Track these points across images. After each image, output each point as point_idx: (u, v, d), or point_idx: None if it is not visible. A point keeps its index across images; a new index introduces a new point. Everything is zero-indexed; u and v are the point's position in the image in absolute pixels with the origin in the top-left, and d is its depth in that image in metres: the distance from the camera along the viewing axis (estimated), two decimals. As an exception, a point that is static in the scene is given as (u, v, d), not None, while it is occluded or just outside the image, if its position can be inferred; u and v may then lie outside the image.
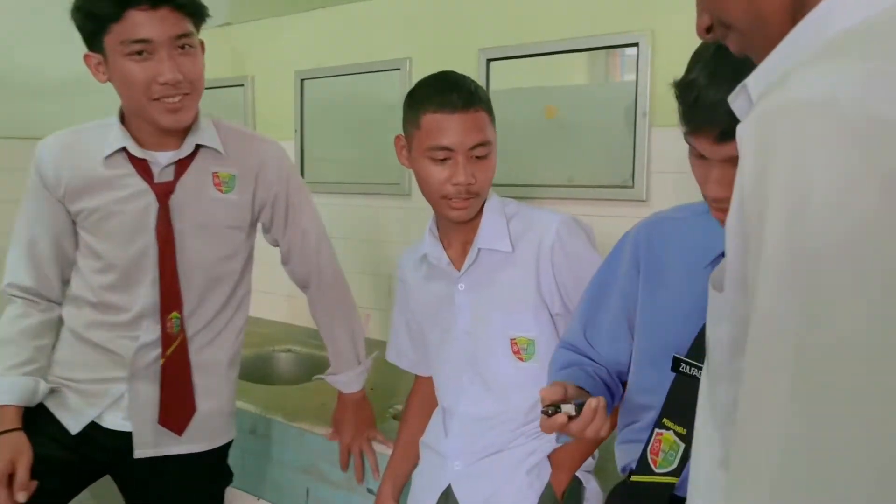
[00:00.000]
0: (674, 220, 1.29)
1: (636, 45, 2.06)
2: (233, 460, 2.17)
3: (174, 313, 1.57)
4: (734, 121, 0.97)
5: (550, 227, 1.42)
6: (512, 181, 2.28)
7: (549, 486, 1.41)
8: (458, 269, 1.47)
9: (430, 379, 1.65)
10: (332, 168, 2.86)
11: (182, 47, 1.47)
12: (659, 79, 2.05)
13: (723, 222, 1.10)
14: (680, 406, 1.18)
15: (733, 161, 1.02)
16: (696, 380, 1.14)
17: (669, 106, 2.04)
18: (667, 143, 2.06)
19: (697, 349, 1.16)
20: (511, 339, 1.43)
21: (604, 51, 2.17)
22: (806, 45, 0.59)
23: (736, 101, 0.70)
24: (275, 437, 2.10)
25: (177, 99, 1.47)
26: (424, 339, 1.59)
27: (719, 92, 1.00)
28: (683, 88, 1.06)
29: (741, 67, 0.99)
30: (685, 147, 2.03)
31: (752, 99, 0.65)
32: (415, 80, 2.54)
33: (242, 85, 3.11)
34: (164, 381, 1.59)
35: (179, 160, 1.56)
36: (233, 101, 3.14)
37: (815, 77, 0.51)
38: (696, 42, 1.96)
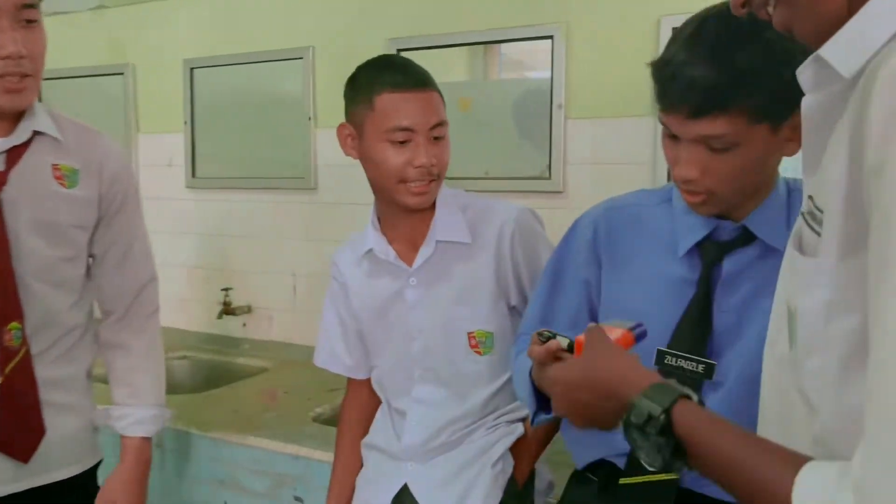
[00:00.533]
0: (635, 206, 1.27)
1: (551, 37, 2.08)
2: (136, 479, 2.01)
3: (13, 324, 1.35)
4: (707, 99, 1.00)
5: (510, 217, 1.38)
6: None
7: (511, 478, 1.38)
8: (409, 264, 1.41)
9: (367, 382, 1.57)
10: (228, 163, 2.71)
11: (28, 21, 1.29)
12: (574, 71, 2.08)
13: (693, 206, 1.13)
14: None
15: (703, 141, 1.04)
16: (682, 371, 1.13)
17: (585, 98, 2.10)
18: (583, 134, 2.09)
19: (679, 340, 1.14)
20: (469, 333, 1.39)
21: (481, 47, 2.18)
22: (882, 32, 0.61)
23: (806, 72, 0.69)
24: (185, 451, 1.95)
25: (17, 78, 1.28)
26: (365, 339, 1.52)
27: (695, 69, 1.00)
28: (660, 66, 1.06)
29: (718, 47, 1.00)
30: (601, 138, 2.10)
31: (835, 68, 0.64)
32: (319, 70, 2.49)
33: (122, 74, 2.88)
34: (3, 402, 1.35)
35: (12, 148, 1.35)
36: (110, 91, 2.90)
37: None
38: (612, 35, 2.01)
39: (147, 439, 1.58)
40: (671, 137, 1.09)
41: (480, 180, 2.21)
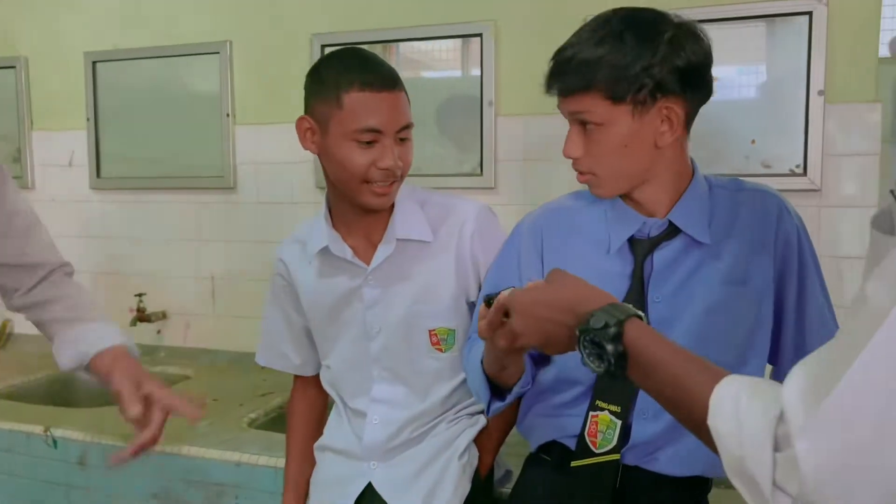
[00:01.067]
0: (569, 209, 1.34)
1: (479, 35, 2.10)
2: (55, 501, 1.87)
3: None
4: (573, 78, 1.13)
5: (470, 214, 1.38)
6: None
7: (476, 469, 1.39)
8: (366, 262, 1.38)
9: (314, 378, 1.54)
10: (138, 162, 2.57)
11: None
12: (503, 68, 2.11)
13: (590, 189, 1.22)
14: (611, 386, 1.22)
15: (578, 120, 1.16)
16: None
17: (515, 95, 2.13)
18: (513, 131, 2.12)
19: None
20: (430, 331, 1.38)
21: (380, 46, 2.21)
22: None
23: None
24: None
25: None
26: (315, 337, 1.48)
27: (567, 52, 1.15)
28: (553, 57, 1.20)
29: (591, 36, 1.14)
30: (531, 135, 2.14)
31: None
32: (237, 66, 2.41)
33: (14, 67, 2.68)
34: None
35: None
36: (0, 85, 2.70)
37: None
38: (540, 31, 2.05)
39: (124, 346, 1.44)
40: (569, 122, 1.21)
41: (413, 177, 2.19)
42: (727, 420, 0.67)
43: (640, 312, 0.85)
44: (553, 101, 1.19)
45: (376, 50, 2.22)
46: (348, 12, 2.26)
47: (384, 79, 1.28)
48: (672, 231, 1.22)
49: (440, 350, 1.38)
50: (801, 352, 1.21)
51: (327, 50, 2.28)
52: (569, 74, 1.15)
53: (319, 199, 2.29)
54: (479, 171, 2.14)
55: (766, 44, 1.90)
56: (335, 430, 1.47)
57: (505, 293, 0.99)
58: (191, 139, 2.48)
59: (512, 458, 1.53)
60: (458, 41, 2.16)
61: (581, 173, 1.22)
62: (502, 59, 2.11)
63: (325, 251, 1.39)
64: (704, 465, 1.23)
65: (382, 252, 1.36)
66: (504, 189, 2.15)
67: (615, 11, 1.18)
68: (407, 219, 1.36)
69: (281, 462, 1.61)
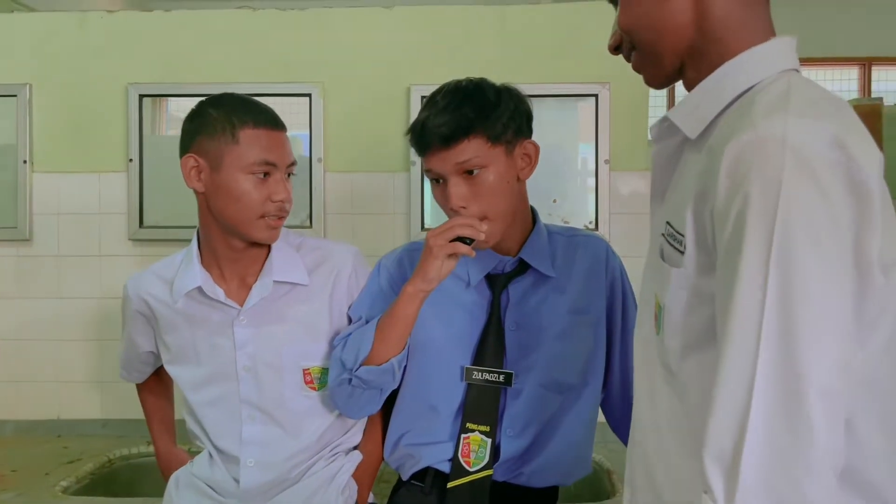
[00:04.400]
0: (423, 243, 1.45)
1: (309, 95, 2.20)
2: None
3: None
4: (454, 130, 1.29)
5: (347, 259, 1.46)
6: (184, 223, 2.17)
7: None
8: (238, 303, 1.39)
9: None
10: None
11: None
12: (330, 126, 2.22)
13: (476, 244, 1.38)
14: (479, 408, 1.36)
15: (460, 170, 1.31)
16: (487, 382, 1.36)
17: (340, 152, 2.24)
18: (342, 186, 2.23)
19: (480, 357, 1.37)
20: (305, 370, 1.41)
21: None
22: (726, 96, 0.86)
23: (657, 129, 0.94)
24: None
25: None
26: (173, 372, 1.47)
27: (441, 114, 1.29)
28: (414, 126, 1.34)
29: (456, 96, 1.31)
30: (356, 191, 2.25)
31: (679, 128, 0.90)
32: (36, 111, 2.25)
33: None
34: None
35: None
36: None
37: (769, 123, 0.75)
38: (365, 93, 2.20)
39: None
40: (436, 182, 1.33)
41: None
42: None
43: None
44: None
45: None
46: (170, 64, 2.24)
47: (274, 119, 1.36)
48: (523, 267, 1.40)
49: (313, 388, 1.42)
50: (624, 367, 1.43)
51: (146, 101, 2.23)
52: (446, 127, 1.28)
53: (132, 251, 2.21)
54: (308, 222, 2.22)
55: (561, 119, 2.24)
56: (205, 468, 1.43)
57: None
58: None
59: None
60: (288, 100, 2.24)
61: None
62: (329, 118, 2.22)
63: (199, 292, 1.38)
64: (559, 475, 1.41)
65: (258, 293, 1.38)
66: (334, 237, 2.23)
67: (458, 81, 1.35)
68: (284, 261, 1.40)
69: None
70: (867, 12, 5.94)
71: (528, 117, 1.36)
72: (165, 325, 1.43)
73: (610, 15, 0.99)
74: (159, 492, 1.60)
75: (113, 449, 2.09)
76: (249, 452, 1.40)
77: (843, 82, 6.38)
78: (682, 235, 0.85)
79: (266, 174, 1.32)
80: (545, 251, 1.41)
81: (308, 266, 1.43)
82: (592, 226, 2.18)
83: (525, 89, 1.34)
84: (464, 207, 1.29)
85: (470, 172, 1.29)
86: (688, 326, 0.86)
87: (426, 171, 1.34)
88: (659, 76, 0.94)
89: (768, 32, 0.89)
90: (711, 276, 0.81)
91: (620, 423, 1.47)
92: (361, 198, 2.23)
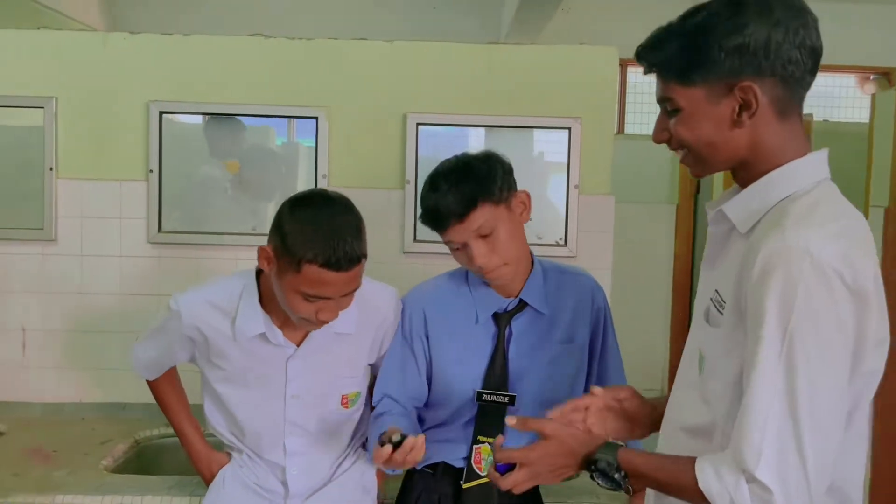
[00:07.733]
0: (438, 288, 1.76)
1: (315, 118, 2.45)
2: None
3: None
4: (464, 205, 1.57)
5: (390, 308, 1.70)
6: (200, 229, 2.42)
7: None
8: (294, 342, 1.62)
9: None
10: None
11: None
12: (334, 146, 2.48)
13: (497, 287, 1.71)
14: (488, 424, 1.68)
15: (477, 235, 1.59)
16: (495, 402, 1.66)
17: (343, 169, 2.48)
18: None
19: (489, 382, 1.67)
20: (343, 395, 1.70)
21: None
22: (770, 200, 1.09)
23: (714, 215, 1.18)
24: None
25: None
26: (219, 390, 1.67)
27: (447, 197, 1.54)
28: (426, 212, 1.60)
29: (449, 177, 1.58)
30: (356, 205, 2.51)
31: (729, 219, 1.14)
32: (61, 122, 2.44)
33: None
34: None
35: None
36: None
37: (796, 234, 1.01)
38: (366, 118, 2.44)
39: None
40: (456, 249, 1.62)
41: (246, 235, 2.46)
42: (713, 482, 1.04)
43: (620, 443, 1.21)
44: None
45: (217, 121, 2.47)
46: (188, 84, 2.45)
47: (346, 259, 1.40)
48: (522, 305, 1.70)
49: (346, 408, 1.71)
50: (601, 383, 1.70)
51: (165, 117, 2.45)
52: (456, 205, 1.53)
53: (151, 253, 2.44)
54: (312, 233, 2.48)
55: (539, 148, 2.55)
56: (251, 468, 1.71)
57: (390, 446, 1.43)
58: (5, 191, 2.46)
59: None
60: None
61: (497, 274, 1.60)
62: (334, 139, 2.47)
63: (262, 337, 1.60)
64: None
65: (312, 337, 1.63)
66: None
67: (448, 162, 1.61)
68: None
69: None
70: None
71: (511, 171, 1.64)
72: (218, 350, 1.64)
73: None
74: (182, 471, 1.93)
75: (136, 431, 2.32)
76: (293, 462, 1.69)
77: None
78: (725, 302, 1.14)
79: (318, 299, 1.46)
80: (541, 291, 1.70)
81: (359, 316, 1.63)
82: (563, 241, 2.50)
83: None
84: (491, 264, 1.58)
85: (484, 233, 1.56)
86: (722, 371, 1.14)
87: (446, 242, 1.60)
88: (704, 175, 1.20)
89: (805, 146, 1.12)
90: (740, 331, 1.09)
91: None
92: (361, 210, 2.49)
